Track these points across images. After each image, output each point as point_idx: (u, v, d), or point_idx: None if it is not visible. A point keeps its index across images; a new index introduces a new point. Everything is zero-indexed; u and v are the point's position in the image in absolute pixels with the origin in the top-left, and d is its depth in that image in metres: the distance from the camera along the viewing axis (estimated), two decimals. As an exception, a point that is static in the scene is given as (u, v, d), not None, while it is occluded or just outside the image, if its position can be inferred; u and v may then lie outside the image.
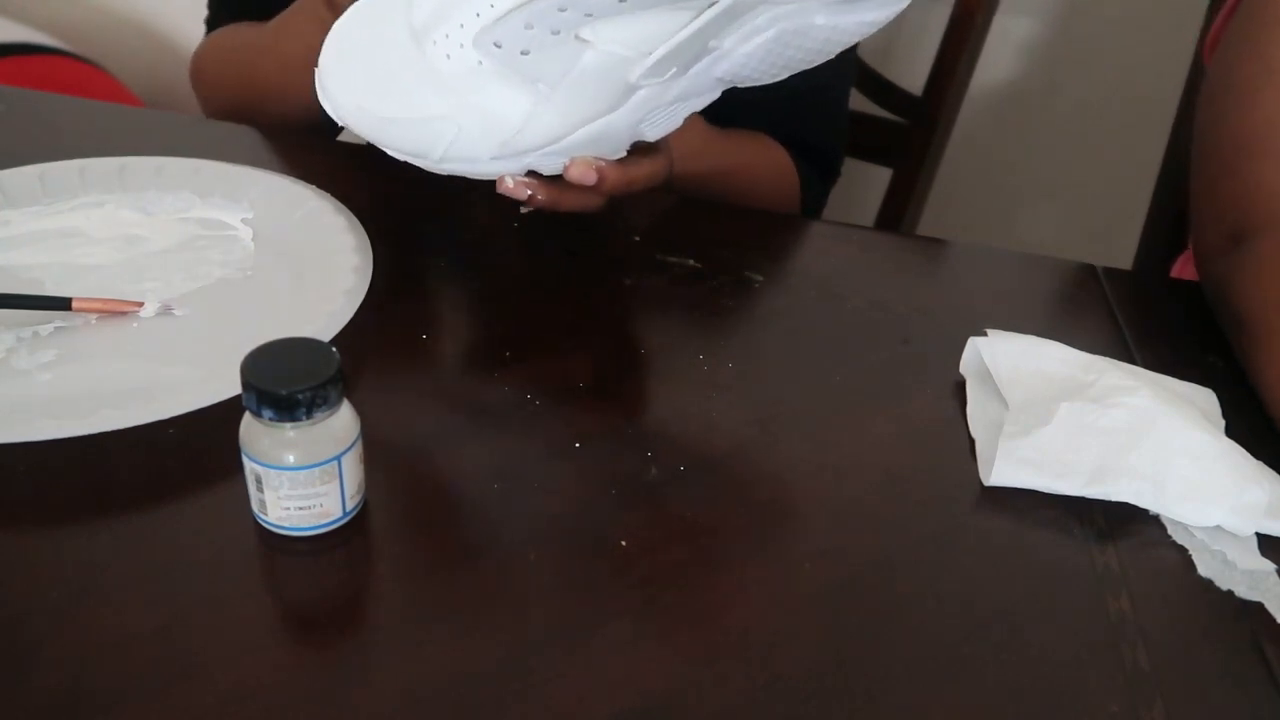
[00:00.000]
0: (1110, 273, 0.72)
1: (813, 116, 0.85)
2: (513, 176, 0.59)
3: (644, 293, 0.65)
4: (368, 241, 0.63)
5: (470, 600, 0.45)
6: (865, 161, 1.15)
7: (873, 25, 0.54)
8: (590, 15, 0.51)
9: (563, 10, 0.51)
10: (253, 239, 0.65)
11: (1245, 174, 0.65)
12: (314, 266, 0.62)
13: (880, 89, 1.14)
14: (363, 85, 0.57)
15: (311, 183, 0.68)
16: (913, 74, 1.13)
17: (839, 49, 0.55)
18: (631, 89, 0.55)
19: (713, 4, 0.51)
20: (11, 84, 0.85)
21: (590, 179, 0.58)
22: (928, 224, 1.21)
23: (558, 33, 0.52)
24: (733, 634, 0.44)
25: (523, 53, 0.53)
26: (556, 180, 0.59)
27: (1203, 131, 0.71)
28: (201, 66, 0.89)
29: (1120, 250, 1.11)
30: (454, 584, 0.45)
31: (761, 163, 0.84)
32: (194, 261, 0.63)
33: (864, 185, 1.25)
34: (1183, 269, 0.88)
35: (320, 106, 0.76)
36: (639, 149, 0.60)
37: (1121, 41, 1.36)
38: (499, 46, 0.53)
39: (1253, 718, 0.44)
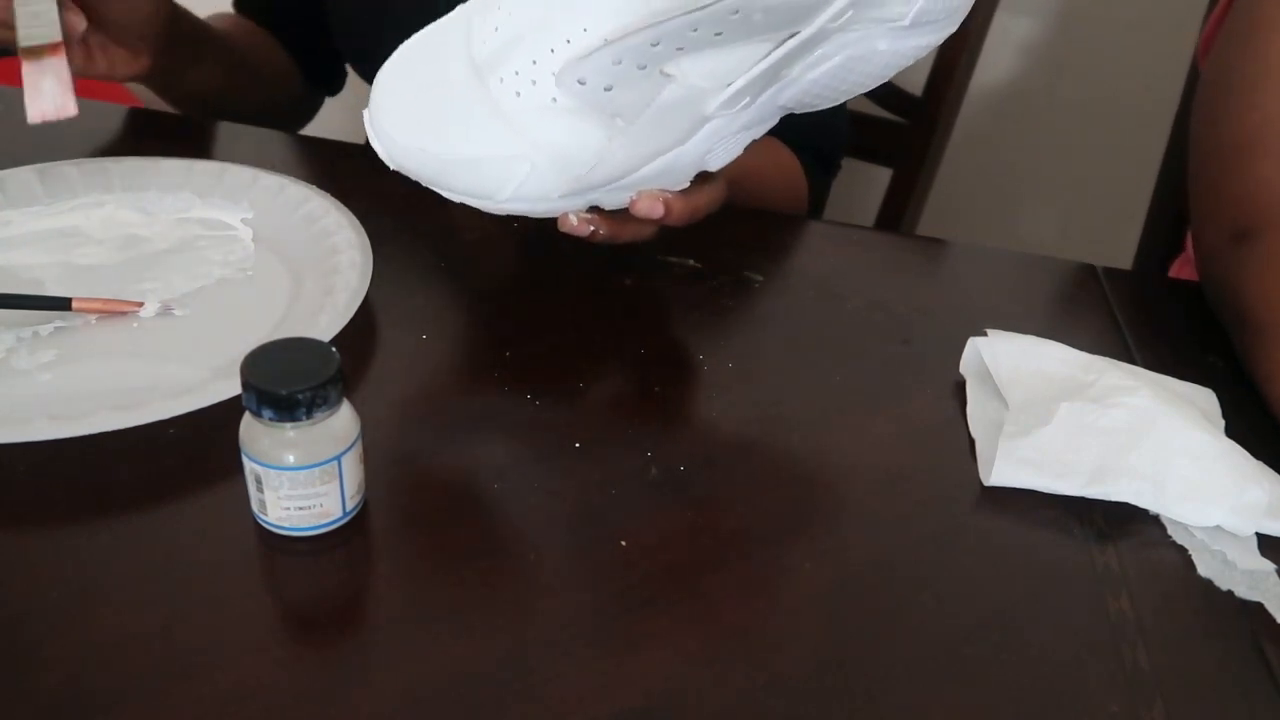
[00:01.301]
0: (1110, 273, 0.72)
1: (816, 112, 0.85)
2: (576, 214, 0.58)
3: (644, 293, 0.65)
4: (368, 241, 0.63)
5: (470, 600, 0.45)
6: (865, 161, 1.15)
7: (925, 49, 0.55)
8: (682, 49, 0.50)
9: (655, 45, 0.50)
10: (253, 239, 0.65)
11: (1245, 174, 0.65)
12: (314, 266, 0.62)
13: (880, 89, 1.13)
14: (424, 125, 0.55)
15: (311, 183, 0.68)
16: (913, 74, 1.13)
17: (893, 73, 0.56)
18: (704, 120, 0.54)
19: (794, 34, 0.51)
20: (11, 84, 0.85)
21: (658, 212, 0.57)
22: (928, 224, 1.21)
23: (644, 67, 0.51)
24: (733, 634, 0.44)
25: (606, 89, 0.52)
26: (617, 214, 0.58)
27: (1200, 133, 0.71)
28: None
29: (1120, 250, 1.11)
30: (454, 584, 0.45)
31: (772, 164, 0.84)
32: (194, 261, 0.63)
33: (864, 185, 1.25)
34: (1182, 269, 0.88)
35: (268, 102, 0.76)
36: (699, 176, 0.59)
37: (1121, 41, 1.36)
38: (583, 83, 0.51)
39: (1253, 718, 0.44)
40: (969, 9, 0.54)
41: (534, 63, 0.52)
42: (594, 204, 0.58)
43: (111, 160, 0.69)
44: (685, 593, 0.46)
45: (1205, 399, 0.59)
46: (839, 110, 0.88)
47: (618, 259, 0.67)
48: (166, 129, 0.79)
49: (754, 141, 0.81)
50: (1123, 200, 1.21)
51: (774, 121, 0.58)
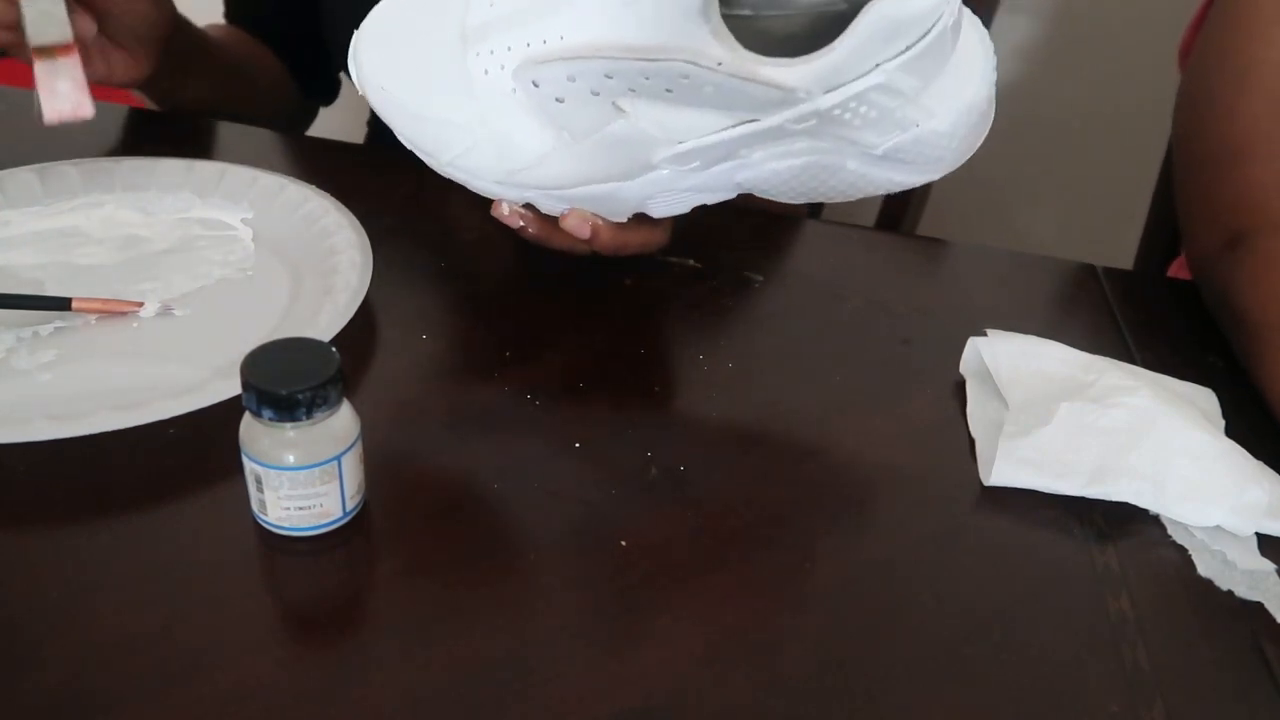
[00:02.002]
0: (1110, 273, 0.72)
1: None
2: (510, 204, 0.58)
3: (644, 293, 0.65)
4: (368, 241, 0.63)
5: (470, 600, 0.45)
6: (865, 161, 1.15)
7: (899, 186, 0.55)
8: (633, 91, 0.50)
9: (609, 77, 0.50)
10: (253, 239, 0.65)
11: (1237, 177, 0.66)
12: (314, 266, 0.62)
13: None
14: (395, 67, 0.56)
15: (311, 183, 0.68)
16: (913, 74, 1.13)
17: (859, 195, 0.56)
18: (650, 166, 0.54)
19: (753, 120, 0.51)
20: (11, 84, 0.85)
21: (584, 233, 0.58)
22: (928, 224, 1.21)
23: (597, 94, 0.51)
24: (733, 634, 0.44)
25: (557, 100, 0.52)
26: (551, 220, 0.59)
27: (1185, 138, 0.71)
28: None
29: (1120, 250, 1.11)
30: (454, 584, 0.45)
31: None
32: (194, 261, 0.63)
33: (864, 185, 1.24)
34: (1182, 269, 0.88)
35: (263, 111, 0.76)
36: (639, 216, 0.60)
37: (1121, 41, 1.36)
38: (537, 86, 0.52)
39: (1253, 718, 0.44)
40: (957, 164, 0.55)
41: (508, 49, 0.53)
42: (529, 201, 0.58)
43: (111, 160, 0.69)
44: (685, 593, 0.46)
45: (1205, 399, 0.59)
46: None
47: (618, 259, 0.67)
48: (166, 129, 0.79)
49: None
50: (1123, 200, 1.21)
51: (730, 195, 0.58)
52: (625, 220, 0.59)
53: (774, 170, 0.54)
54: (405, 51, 0.56)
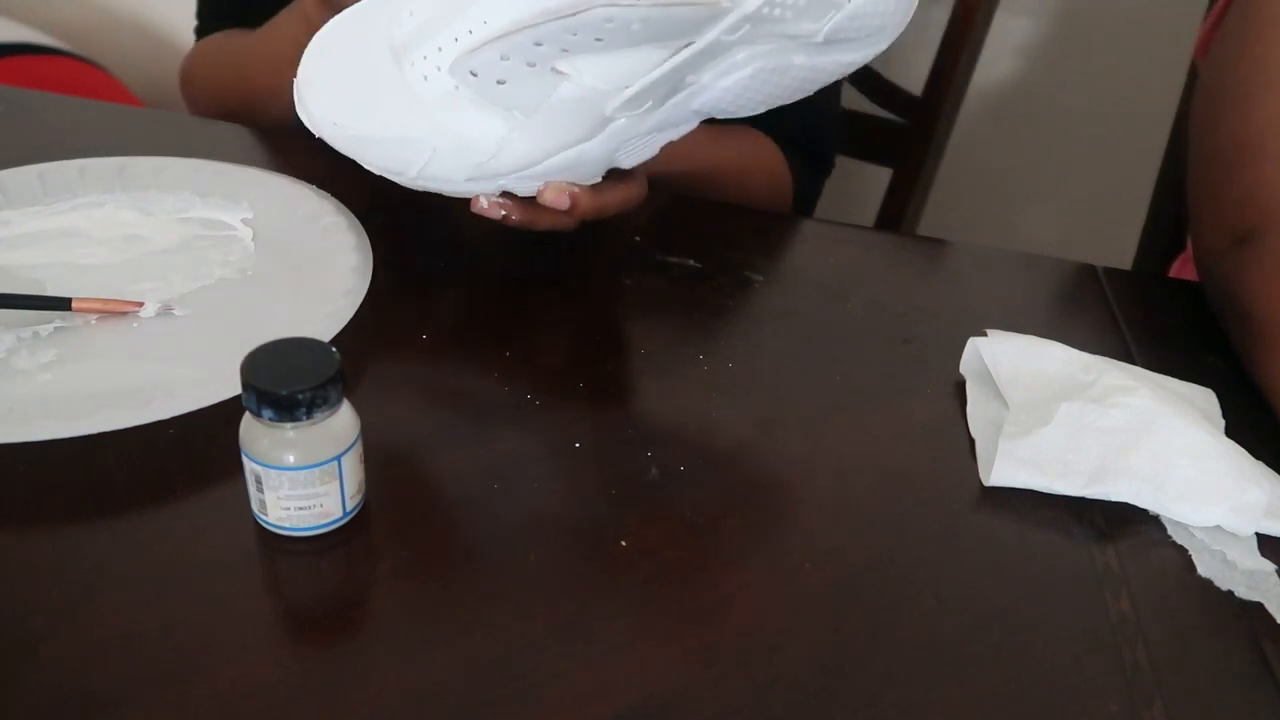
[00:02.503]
0: (1110, 273, 0.72)
1: (802, 110, 0.85)
2: (487, 197, 0.59)
3: (644, 293, 0.65)
4: (368, 241, 0.63)
5: (470, 600, 0.45)
6: (865, 161, 1.15)
7: (850, 66, 0.55)
8: (566, 51, 0.51)
9: (539, 45, 0.51)
10: (253, 239, 0.65)
11: (1247, 176, 0.65)
12: (314, 266, 0.62)
13: (880, 89, 1.14)
14: (339, 101, 0.58)
15: (311, 183, 0.68)
16: (913, 74, 1.13)
17: (816, 87, 0.56)
18: (607, 120, 0.55)
19: (689, 44, 0.51)
20: (11, 84, 0.85)
21: (564, 204, 0.58)
22: (928, 224, 1.21)
23: (534, 65, 0.52)
24: (733, 634, 0.44)
25: (499, 82, 0.53)
26: (530, 201, 0.59)
27: (1199, 134, 0.71)
28: (191, 74, 0.90)
29: (1120, 250, 1.11)
30: (454, 584, 0.45)
31: (752, 161, 0.84)
32: (194, 261, 0.63)
33: (864, 185, 1.25)
34: (1182, 269, 0.88)
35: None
36: (614, 174, 0.60)
37: (1121, 42, 1.36)
38: (475, 75, 0.53)
39: (1253, 718, 0.44)
40: (900, 29, 0.54)
41: (439, 50, 0.53)
42: (504, 189, 0.58)
43: (112, 160, 0.69)
44: (685, 593, 0.46)
45: (1205, 399, 0.59)
46: (830, 109, 0.88)
47: (617, 259, 0.67)
48: (167, 129, 0.79)
49: (735, 135, 0.82)
50: (1123, 200, 1.21)
51: (692, 124, 0.58)
52: (600, 180, 0.59)
53: (725, 88, 0.54)
54: (346, 83, 0.57)
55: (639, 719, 0.41)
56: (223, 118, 0.83)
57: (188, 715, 0.39)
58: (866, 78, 1.14)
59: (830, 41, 0.53)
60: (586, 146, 0.56)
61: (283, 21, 0.78)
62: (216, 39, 0.89)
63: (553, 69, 0.52)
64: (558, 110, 0.54)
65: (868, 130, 1.13)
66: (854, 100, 1.07)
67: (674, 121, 0.57)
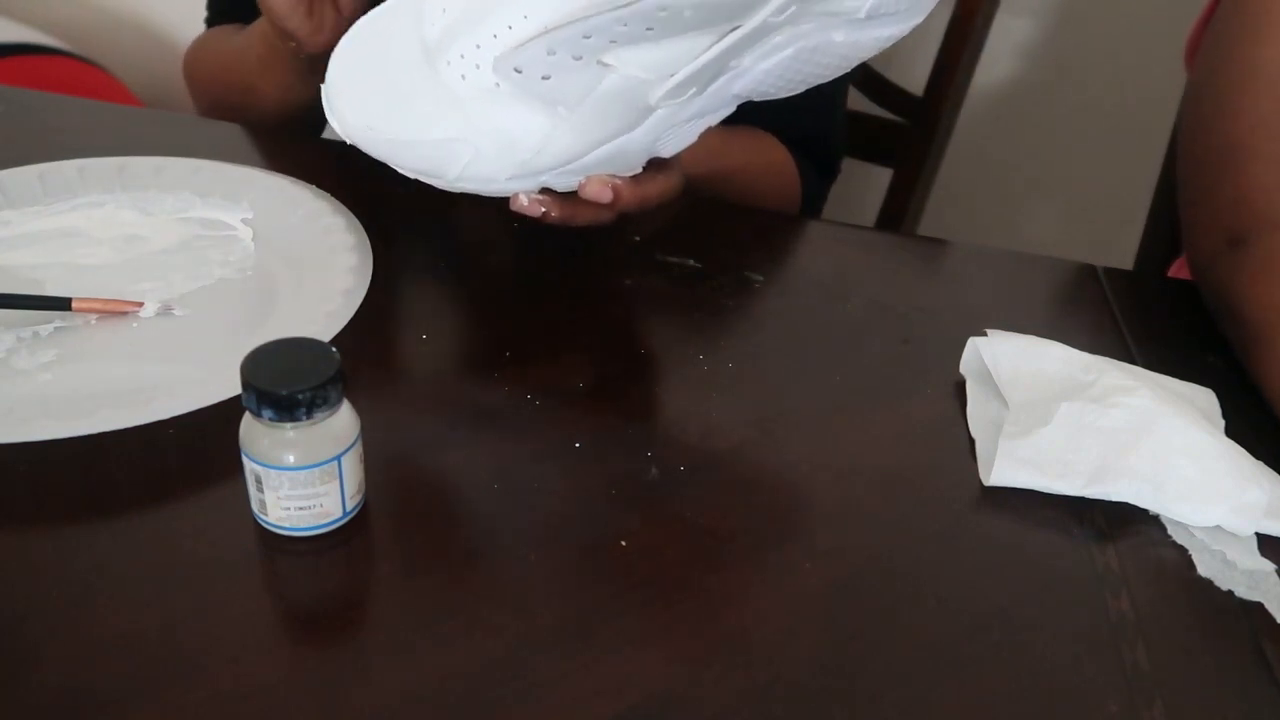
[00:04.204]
0: (1110, 273, 0.72)
1: (811, 114, 0.85)
2: (527, 194, 0.58)
3: (644, 293, 0.65)
4: (368, 241, 0.63)
5: (470, 600, 0.45)
6: (865, 161, 1.15)
7: (889, 40, 0.54)
8: (614, 42, 0.50)
9: (587, 37, 0.50)
10: (253, 239, 0.65)
11: (1239, 178, 0.65)
12: (314, 266, 0.62)
13: (880, 89, 1.14)
14: (372, 105, 0.56)
15: (311, 183, 0.68)
16: (913, 74, 1.13)
17: (855, 64, 0.55)
18: (650, 109, 0.54)
19: (735, 28, 0.51)
20: (11, 84, 0.85)
21: (606, 197, 0.57)
22: (928, 224, 1.21)
23: (580, 58, 0.51)
24: (733, 634, 0.44)
25: (543, 78, 0.52)
26: (570, 196, 0.59)
27: (1190, 137, 0.71)
28: (190, 65, 0.91)
29: (1120, 250, 1.11)
30: (454, 584, 0.45)
31: (761, 163, 0.84)
32: (194, 261, 0.63)
33: (864, 185, 1.25)
34: (1182, 269, 0.88)
35: (305, 101, 0.75)
36: (652, 164, 0.60)
37: (1121, 42, 1.36)
38: (519, 72, 0.52)
39: (1253, 718, 0.44)
40: (934, 3, 0.54)
41: (478, 47, 0.52)
42: (545, 186, 0.58)
43: (112, 160, 0.69)
44: (685, 593, 0.46)
45: (1205, 399, 0.59)
46: (837, 114, 0.88)
47: (617, 259, 0.67)
48: (167, 129, 0.79)
49: (744, 138, 0.82)
50: (1123, 200, 1.21)
51: (731, 109, 0.57)
52: (640, 171, 0.59)
53: (765, 70, 0.54)
54: (377, 86, 0.56)
55: (639, 719, 0.41)
56: (220, 112, 0.83)
57: (188, 715, 0.39)
58: (867, 78, 1.14)
59: (872, 16, 0.52)
60: (629, 138, 0.55)
61: (255, 28, 0.78)
62: (214, 32, 0.90)
63: (599, 62, 0.51)
64: (602, 103, 0.53)
65: (868, 130, 1.13)
66: (854, 100, 1.06)
67: (714, 107, 0.56)
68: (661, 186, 0.61)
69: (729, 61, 0.53)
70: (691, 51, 0.52)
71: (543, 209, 0.59)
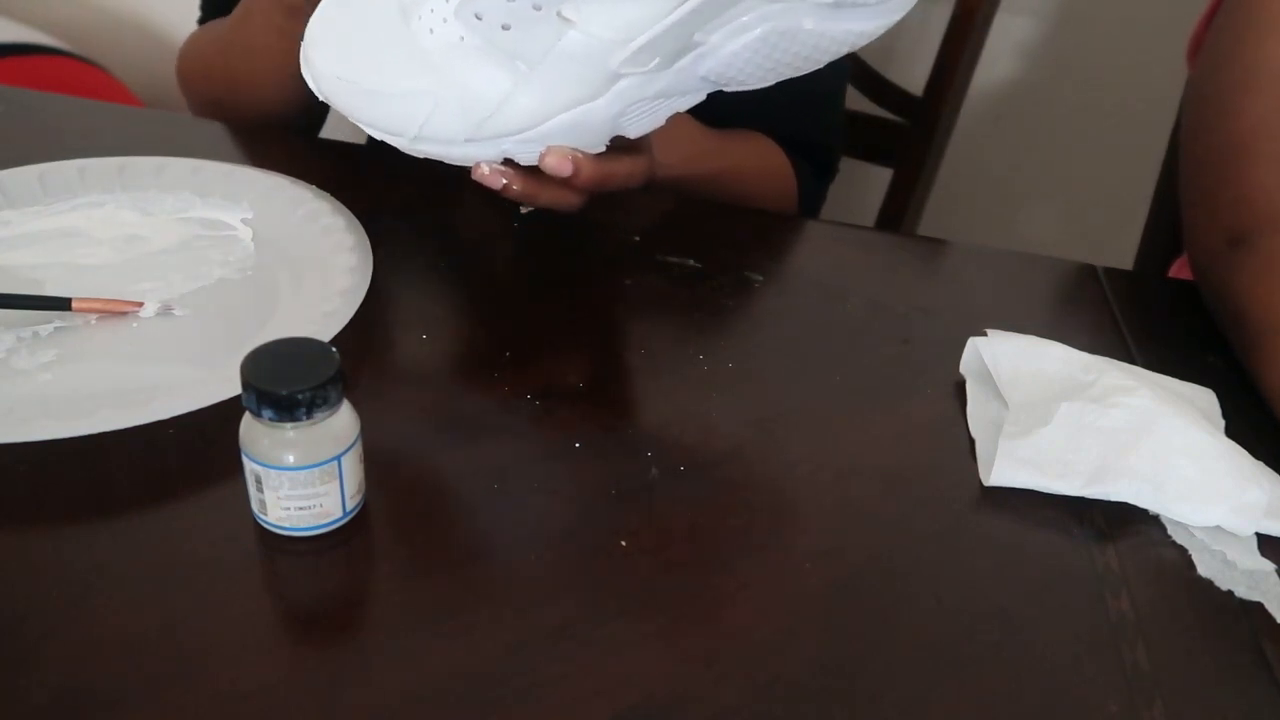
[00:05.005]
0: (1110, 273, 0.72)
1: (808, 115, 0.85)
2: (488, 164, 0.58)
3: (644, 293, 0.65)
4: (367, 241, 0.63)
5: (470, 600, 0.45)
6: (865, 161, 1.15)
7: (862, 37, 0.54)
8: None
9: None
10: (253, 239, 0.65)
11: (1239, 178, 0.65)
12: (314, 266, 0.62)
13: (880, 89, 1.14)
14: (345, 56, 0.57)
15: (311, 183, 0.68)
16: (913, 74, 1.13)
17: (828, 58, 0.55)
18: (613, 77, 0.54)
19: None
20: (11, 84, 0.85)
21: (565, 170, 0.57)
22: (928, 224, 1.21)
23: (539, 8, 0.51)
24: (733, 634, 0.44)
25: (504, 27, 0.52)
26: (533, 172, 0.58)
27: (1191, 137, 0.71)
28: (183, 64, 0.90)
29: (1120, 250, 1.11)
30: (454, 584, 0.45)
31: (757, 164, 0.83)
32: (194, 261, 0.63)
33: (864, 185, 1.25)
34: (1182, 269, 0.88)
35: (294, 96, 0.75)
36: (619, 147, 0.59)
37: (1122, 42, 1.36)
38: (479, 18, 0.52)
39: (1253, 718, 0.44)
40: (911, 3, 0.54)
41: (446, 1, 0.53)
42: (506, 155, 0.57)
43: (112, 160, 0.69)
44: (685, 593, 0.46)
45: (1205, 399, 0.59)
46: (835, 115, 0.88)
47: (617, 259, 0.67)
48: (166, 129, 0.79)
49: (740, 139, 0.81)
50: (1123, 200, 1.21)
51: (700, 96, 0.57)
52: (603, 149, 0.59)
53: (734, 52, 0.54)
54: (351, 41, 0.57)
55: (639, 719, 0.41)
56: (214, 109, 0.83)
57: (188, 715, 0.39)
58: (866, 78, 1.14)
59: (841, 6, 0.52)
60: (592, 107, 0.55)
61: (254, 5, 0.77)
62: (206, 27, 0.89)
63: (559, 14, 0.51)
64: (563, 62, 0.53)
65: (868, 130, 1.13)
66: (854, 100, 1.06)
67: (682, 89, 0.56)
68: (627, 168, 0.61)
69: (694, 33, 0.53)
70: (655, 12, 0.51)
71: (503, 180, 0.58)
